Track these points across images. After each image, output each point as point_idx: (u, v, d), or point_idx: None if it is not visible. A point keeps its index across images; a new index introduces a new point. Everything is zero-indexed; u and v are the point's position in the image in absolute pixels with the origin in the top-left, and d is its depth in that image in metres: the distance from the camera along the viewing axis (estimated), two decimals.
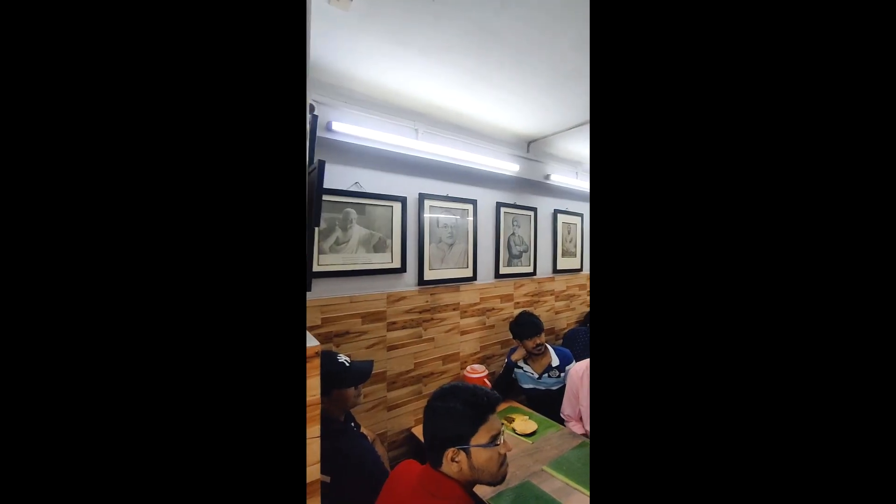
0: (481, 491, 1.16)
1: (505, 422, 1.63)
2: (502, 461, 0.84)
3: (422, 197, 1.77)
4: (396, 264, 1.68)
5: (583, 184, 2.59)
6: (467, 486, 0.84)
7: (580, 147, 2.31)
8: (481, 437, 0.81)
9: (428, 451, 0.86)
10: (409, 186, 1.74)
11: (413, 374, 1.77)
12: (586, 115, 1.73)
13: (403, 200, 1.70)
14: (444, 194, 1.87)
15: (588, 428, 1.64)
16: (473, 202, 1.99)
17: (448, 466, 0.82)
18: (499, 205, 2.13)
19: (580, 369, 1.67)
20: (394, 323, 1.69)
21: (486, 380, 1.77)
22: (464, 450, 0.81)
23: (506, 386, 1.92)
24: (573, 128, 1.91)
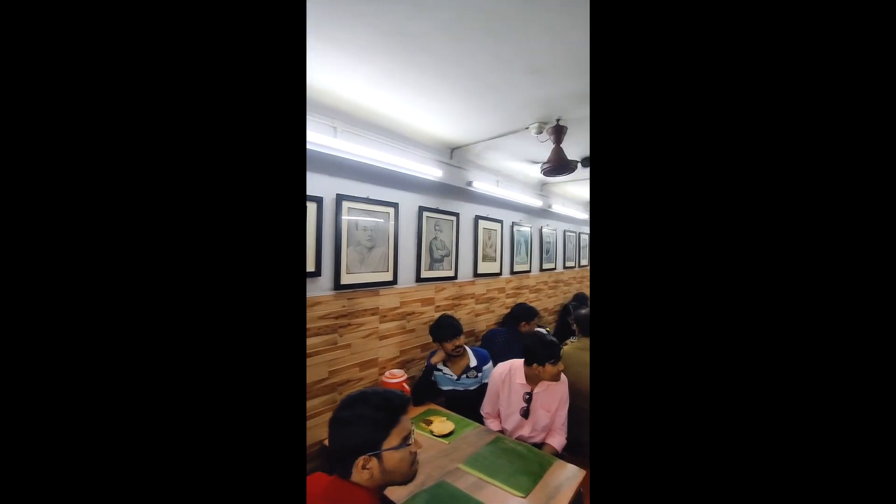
0: (395, 494, 1.14)
1: (423, 424, 1.63)
2: (413, 459, 0.84)
3: (339, 198, 1.70)
4: (310, 268, 1.59)
5: (504, 192, 2.74)
6: (377, 491, 0.82)
7: (500, 157, 2.44)
8: (394, 439, 0.80)
9: (336, 462, 0.82)
10: (325, 187, 1.67)
11: (327, 382, 1.68)
12: (504, 128, 1.83)
13: (319, 201, 1.62)
14: (365, 196, 1.82)
15: (505, 425, 1.72)
16: (395, 205, 1.97)
17: (359, 475, 0.79)
18: (421, 209, 2.14)
19: (503, 371, 1.74)
20: (307, 330, 1.59)
21: (404, 384, 1.76)
22: (376, 455, 0.79)
23: (426, 389, 1.93)
24: (492, 138, 2.01)
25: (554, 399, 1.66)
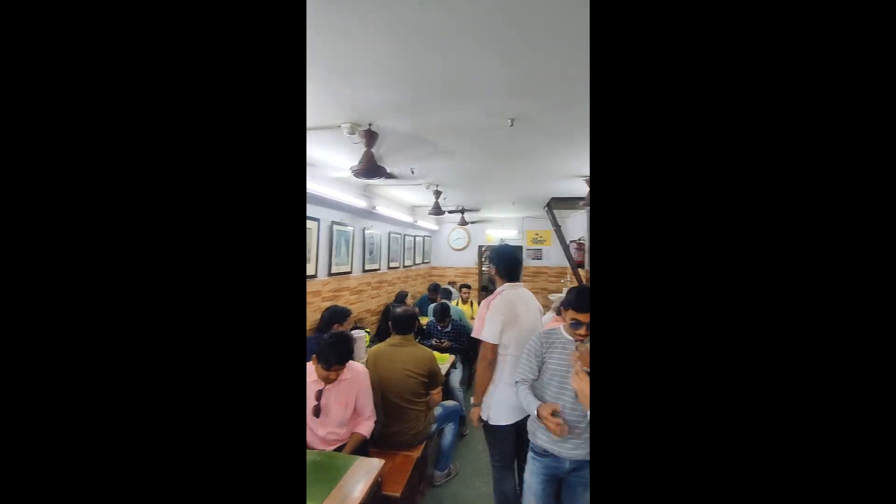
0: None
1: None
2: None
3: None
4: None
5: (320, 188, 2.62)
6: None
7: (316, 150, 2.33)
8: None
9: None
10: None
11: None
12: (316, 123, 1.76)
13: None
14: None
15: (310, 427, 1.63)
16: None
17: None
18: None
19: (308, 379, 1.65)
20: None
21: None
22: None
23: None
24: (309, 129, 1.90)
25: (350, 391, 1.68)
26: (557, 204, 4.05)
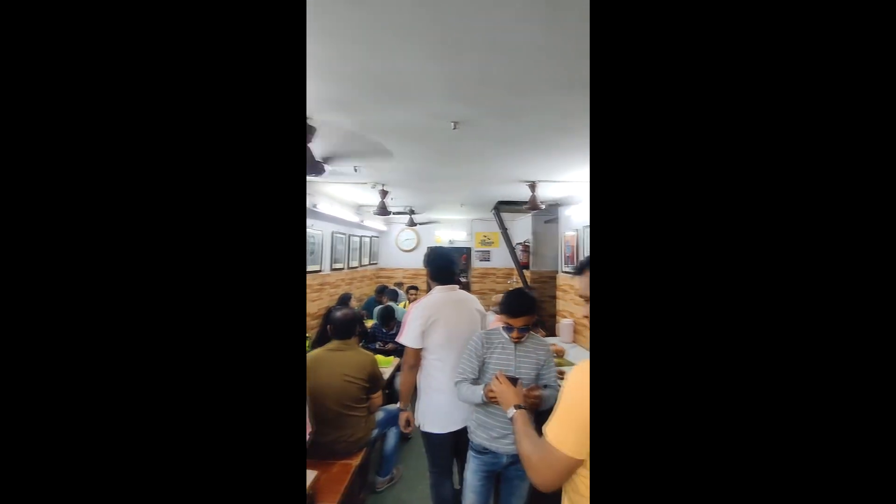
0: None
1: None
2: None
3: None
4: None
5: None
6: None
7: None
8: None
9: None
10: None
11: None
12: None
13: None
14: None
15: None
16: None
17: None
18: None
19: None
20: None
21: None
22: None
23: None
24: None
25: None
26: (504, 207, 4.16)
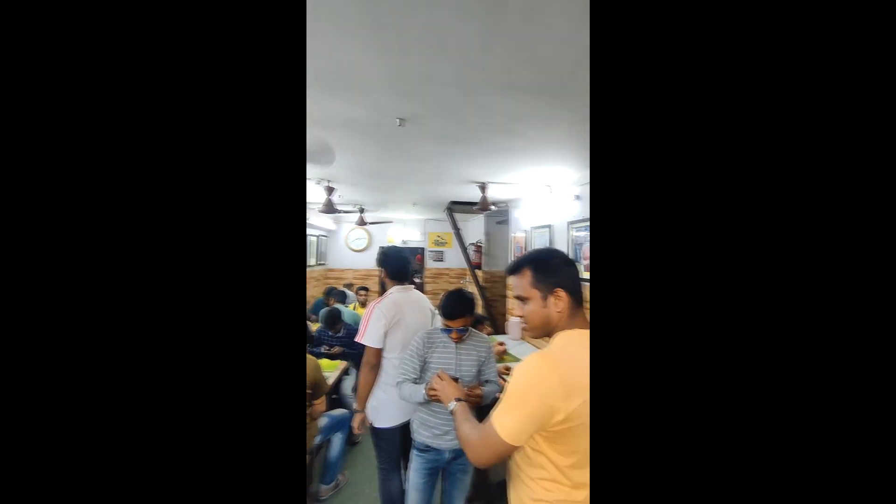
0: None
1: None
2: None
3: None
4: None
5: None
6: None
7: None
8: None
9: None
10: None
11: None
12: None
13: None
14: None
15: None
16: None
17: None
18: None
19: None
20: None
21: None
22: None
23: None
24: None
25: None
26: (457, 207, 4.18)
